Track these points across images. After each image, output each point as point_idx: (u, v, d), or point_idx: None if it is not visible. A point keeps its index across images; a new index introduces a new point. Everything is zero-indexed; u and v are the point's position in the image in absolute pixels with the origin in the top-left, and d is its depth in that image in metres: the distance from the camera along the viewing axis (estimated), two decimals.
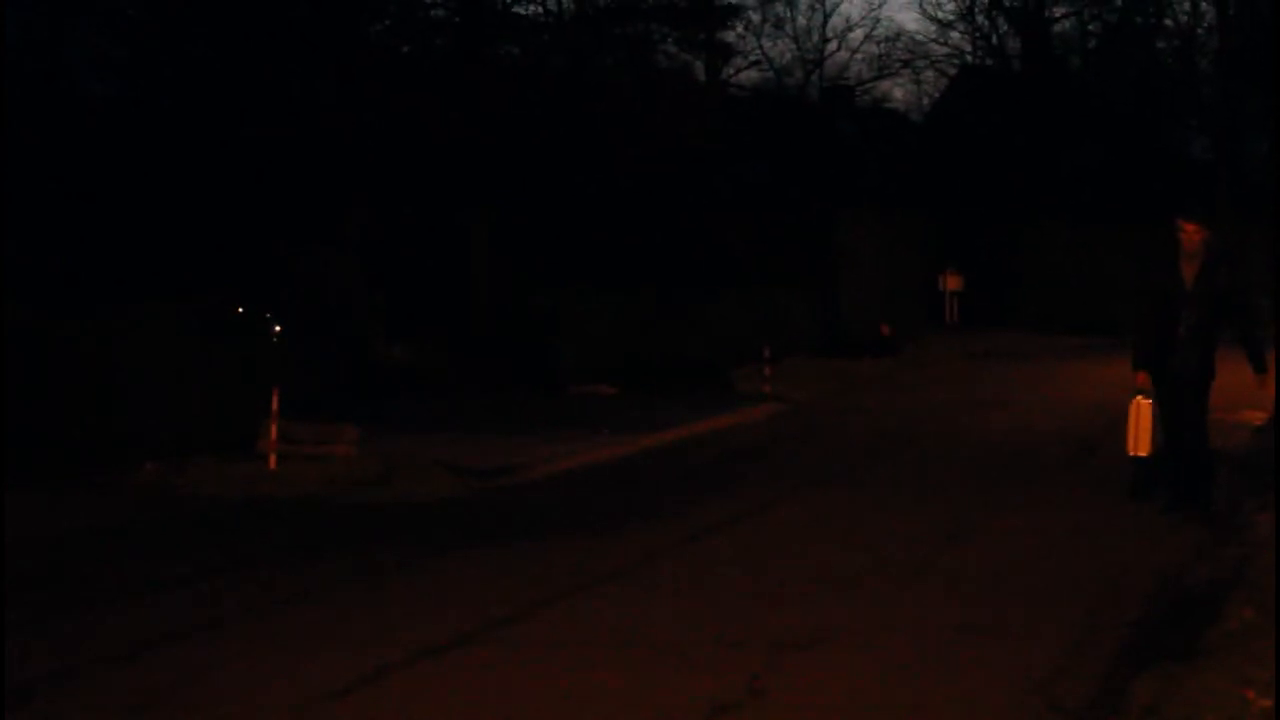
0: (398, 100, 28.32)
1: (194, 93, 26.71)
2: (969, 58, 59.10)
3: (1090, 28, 57.54)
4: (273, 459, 17.76)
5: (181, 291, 22.82)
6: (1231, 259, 14.48)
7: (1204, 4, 55.83)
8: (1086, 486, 16.57)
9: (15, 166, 24.00)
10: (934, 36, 73.90)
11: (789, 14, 69.98)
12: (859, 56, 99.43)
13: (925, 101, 61.36)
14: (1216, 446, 15.29)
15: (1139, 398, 14.12)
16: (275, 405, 17.82)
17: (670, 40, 37.01)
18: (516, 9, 34.13)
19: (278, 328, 19.84)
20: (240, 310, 21.87)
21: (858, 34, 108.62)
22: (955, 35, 60.07)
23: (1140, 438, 14.15)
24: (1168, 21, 57.05)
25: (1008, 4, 56.61)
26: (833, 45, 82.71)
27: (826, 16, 77.92)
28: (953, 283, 48.77)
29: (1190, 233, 13.95)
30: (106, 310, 19.15)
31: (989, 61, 58.41)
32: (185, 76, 26.92)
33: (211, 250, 25.67)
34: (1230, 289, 14.04)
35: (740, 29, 51.22)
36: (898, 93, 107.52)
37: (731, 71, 50.97)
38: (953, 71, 59.28)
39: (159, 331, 18.47)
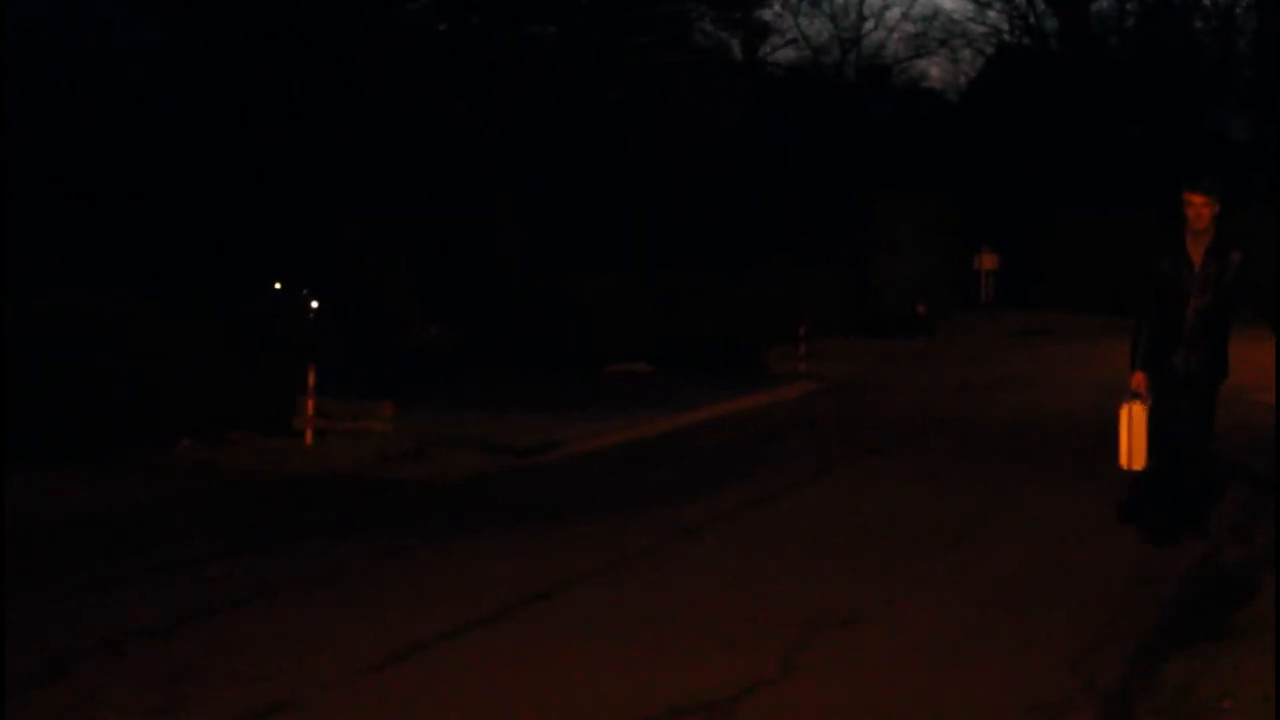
0: (433, 81, 28.36)
1: (235, 74, 26.77)
2: (1006, 37, 58.95)
3: (1128, 7, 57.34)
4: (309, 435, 17.84)
5: (219, 270, 22.93)
6: (1245, 236, 12.89)
7: None
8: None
9: (62, 150, 24.12)
10: (971, 15, 73.88)
11: None
12: (896, 35, 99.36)
13: (962, 81, 61.25)
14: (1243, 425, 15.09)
15: (1134, 403, 12.02)
16: (311, 382, 17.90)
17: (707, 19, 37.03)
18: None
19: (314, 305, 19.87)
20: (277, 287, 21.94)
21: (895, 12, 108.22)
22: (992, 14, 59.89)
23: (1135, 449, 12.09)
24: (1206, 1, 56.80)
25: None
26: (869, 24, 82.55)
27: None
28: (988, 262, 48.73)
29: (1198, 206, 12.00)
30: (144, 290, 19.22)
31: (1026, 41, 58.24)
32: (224, 58, 26.97)
33: (250, 230, 25.74)
34: (1245, 270, 12.13)
35: (777, 7, 51.26)
36: (934, 72, 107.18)
37: (768, 50, 50.93)
38: (990, 51, 59.17)
39: (196, 310, 18.54)
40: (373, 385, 21.13)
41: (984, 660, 8.84)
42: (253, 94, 26.40)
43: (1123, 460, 12.14)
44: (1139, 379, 12.06)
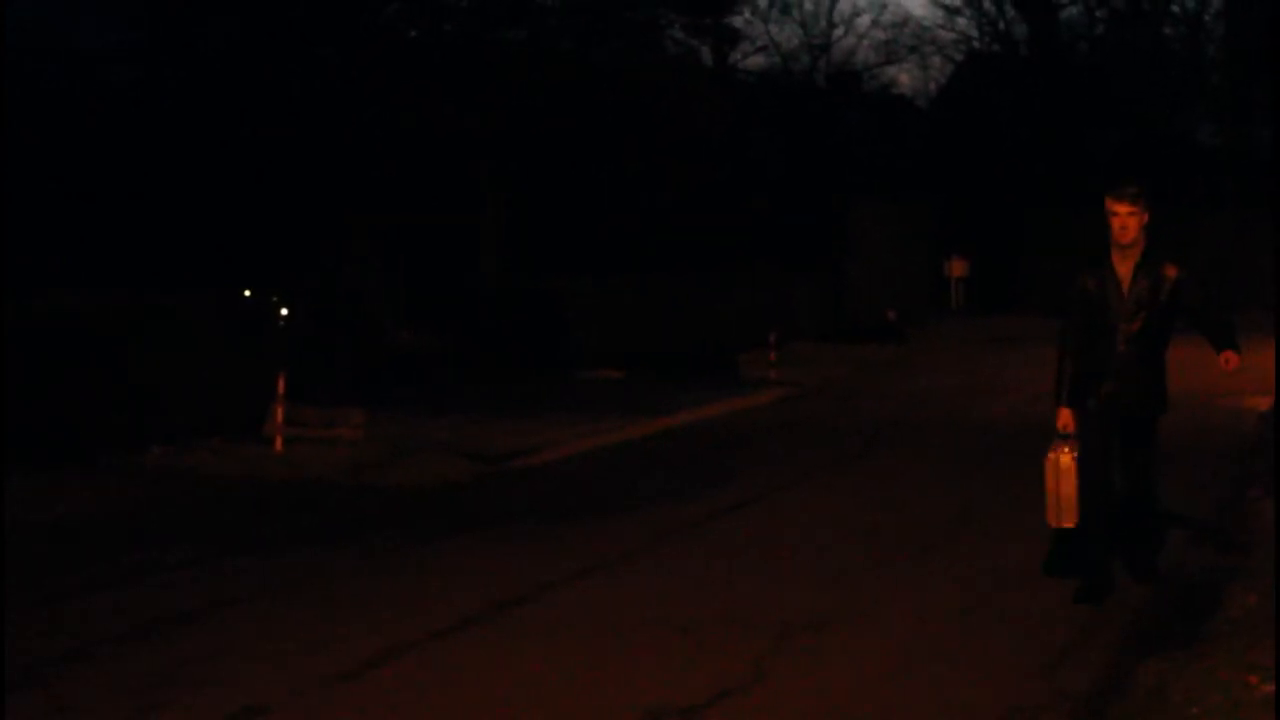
0: (406, 85, 28.33)
1: (205, 78, 26.71)
2: (976, 44, 59.08)
3: (1097, 14, 57.48)
4: (279, 442, 17.81)
5: (190, 277, 22.85)
6: (1177, 250, 10.93)
7: None
8: None
9: (32, 156, 24.03)
10: (941, 22, 74.13)
11: None
12: (866, 42, 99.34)
13: (932, 87, 61.30)
14: (1222, 428, 14.85)
15: (1061, 447, 10.55)
16: (281, 389, 17.87)
17: (677, 25, 37.00)
18: None
19: (284, 311, 19.83)
20: (247, 294, 21.89)
21: (865, 19, 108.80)
22: (962, 21, 60.24)
23: (1065, 502, 10.55)
24: (1175, 7, 56.97)
25: None
26: (839, 31, 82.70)
27: (833, 1, 77.72)
28: (958, 269, 48.82)
29: (1123, 216, 10.41)
30: (114, 296, 19.17)
31: (996, 47, 58.36)
32: (198, 61, 26.91)
33: (220, 236, 25.68)
34: (1185, 289, 10.54)
35: (747, 14, 51.22)
36: (904, 78, 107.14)
37: (738, 57, 50.93)
38: (959, 57, 59.27)
39: (166, 317, 18.50)
40: (346, 392, 21.09)
41: (956, 665, 8.87)
42: (229, 99, 26.33)
43: (1050, 516, 10.63)
44: (1066, 417, 10.55)
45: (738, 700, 8.20)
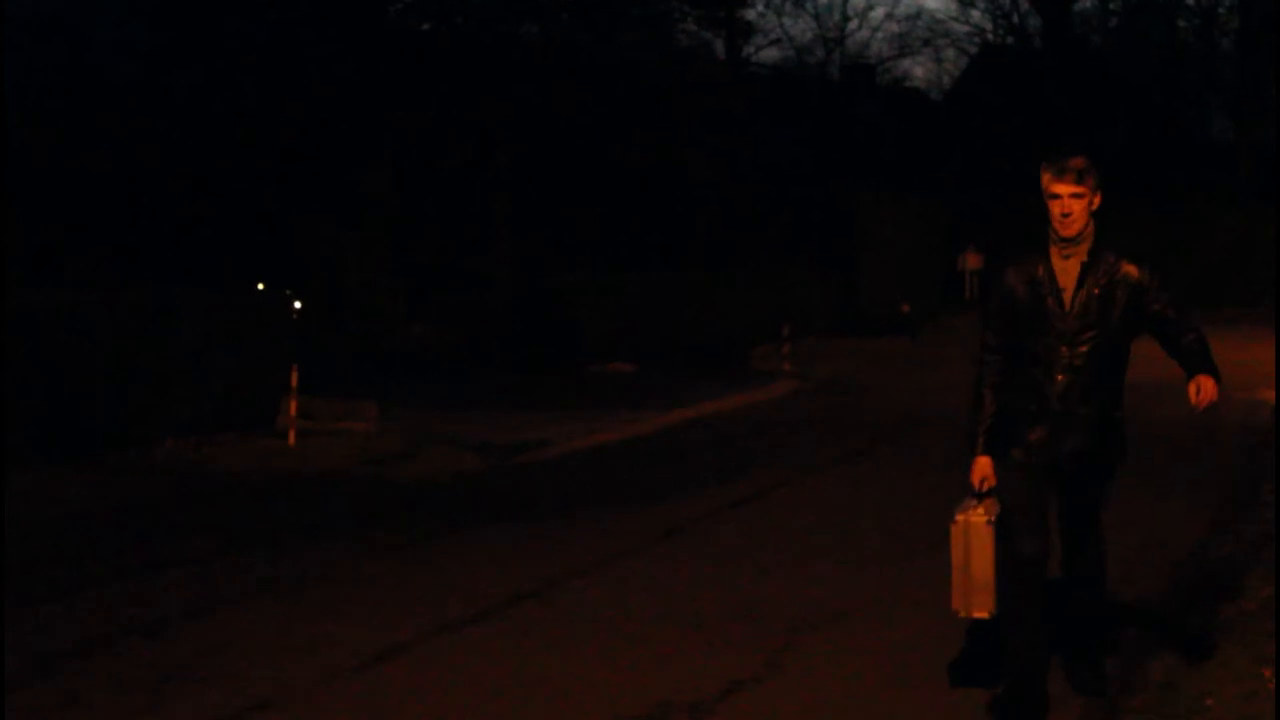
0: (418, 80, 28.35)
1: (216, 75, 26.72)
2: (990, 36, 59.07)
3: (1111, 6, 57.45)
4: (292, 435, 17.82)
5: (203, 271, 22.88)
6: (1133, 250, 8.00)
7: None
8: None
9: (47, 154, 24.07)
10: (955, 15, 74.05)
11: None
12: (880, 35, 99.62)
13: (946, 80, 61.34)
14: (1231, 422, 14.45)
15: (972, 510, 7.81)
16: (294, 382, 17.87)
17: (691, 18, 36.99)
18: None
19: (298, 305, 19.85)
20: (260, 288, 21.91)
21: (879, 12, 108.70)
22: (976, 14, 60.18)
23: (976, 582, 7.81)
24: (1188, 0, 56.90)
25: None
26: (853, 24, 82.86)
27: None
28: (973, 261, 48.73)
29: (1065, 200, 7.72)
30: (127, 290, 19.18)
31: (1010, 40, 58.36)
32: (207, 58, 26.93)
33: (233, 231, 25.71)
34: (1143, 295, 7.82)
35: (761, 7, 51.35)
36: (918, 71, 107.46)
37: (752, 50, 50.95)
38: (973, 50, 59.27)
39: (179, 310, 18.51)
40: (357, 385, 21.09)
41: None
42: (241, 95, 26.35)
43: (956, 601, 7.86)
44: (984, 469, 7.84)
45: (749, 695, 8.18)
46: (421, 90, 28.48)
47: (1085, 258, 7.80)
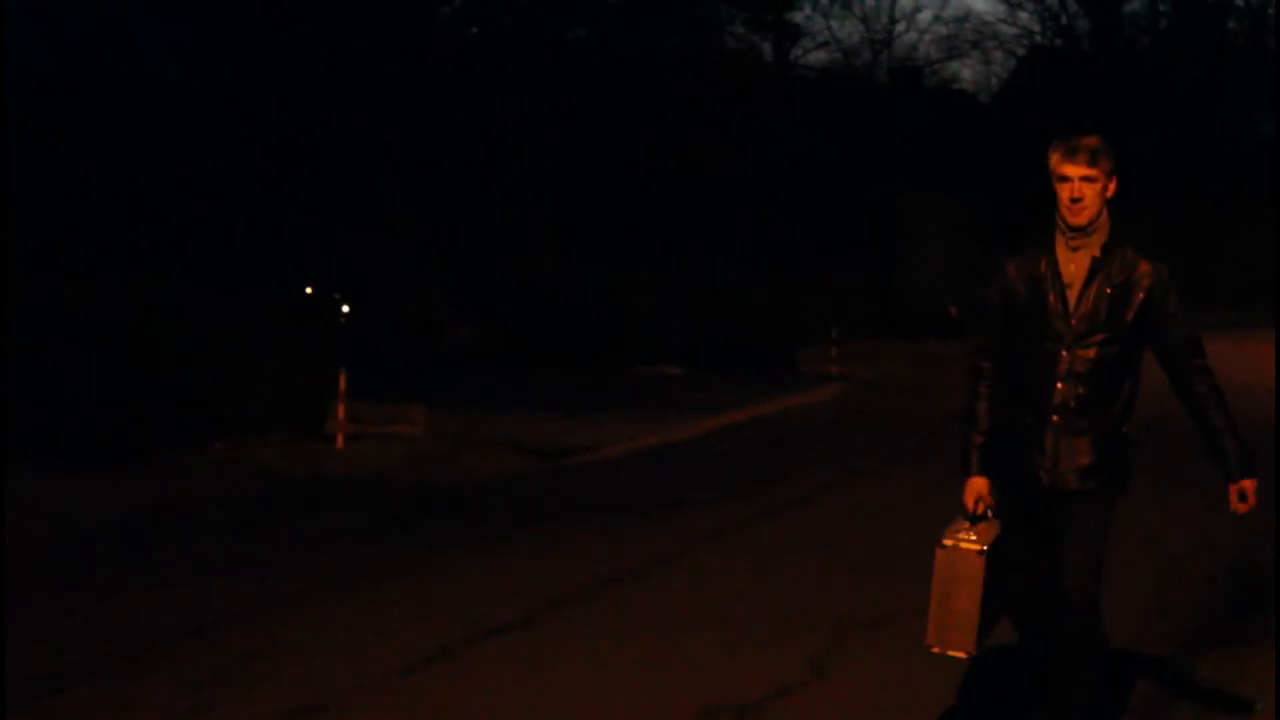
0: (466, 82, 28.41)
1: (263, 76, 26.83)
2: (1038, 38, 58.81)
3: (1160, 7, 57.18)
4: (340, 439, 17.87)
5: (250, 274, 22.96)
6: (1153, 254, 6.99)
7: None
8: (1149, 465, 16.48)
9: (100, 146, 24.20)
10: (1003, 17, 73.63)
11: None
12: (927, 37, 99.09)
13: (993, 82, 61.10)
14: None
15: (962, 535, 6.93)
16: (343, 385, 17.93)
17: (738, 21, 37.00)
18: None
19: (345, 309, 19.92)
20: (309, 292, 21.99)
21: (926, 15, 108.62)
22: (1024, 16, 60.00)
23: (958, 617, 6.94)
24: (1238, 1, 56.63)
25: None
26: (901, 26, 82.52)
27: None
28: None
29: (1075, 182, 6.86)
30: (176, 291, 19.27)
31: (1058, 42, 58.09)
32: (254, 60, 27.03)
33: (281, 234, 25.79)
34: (1163, 298, 6.91)
35: (808, 10, 51.24)
36: (966, 73, 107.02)
37: (799, 53, 50.90)
38: (1021, 52, 59.01)
39: (227, 313, 18.59)
40: (404, 388, 21.15)
41: (992, 660, 8.81)
42: (284, 96, 26.44)
43: (931, 635, 7.04)
44: (979, 489, 6.99)
45: (796, 699, 8.17)
46: (468, 92, 28.53)
47: (1097, 252, 6.90)
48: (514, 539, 12.90)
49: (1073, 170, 6.83)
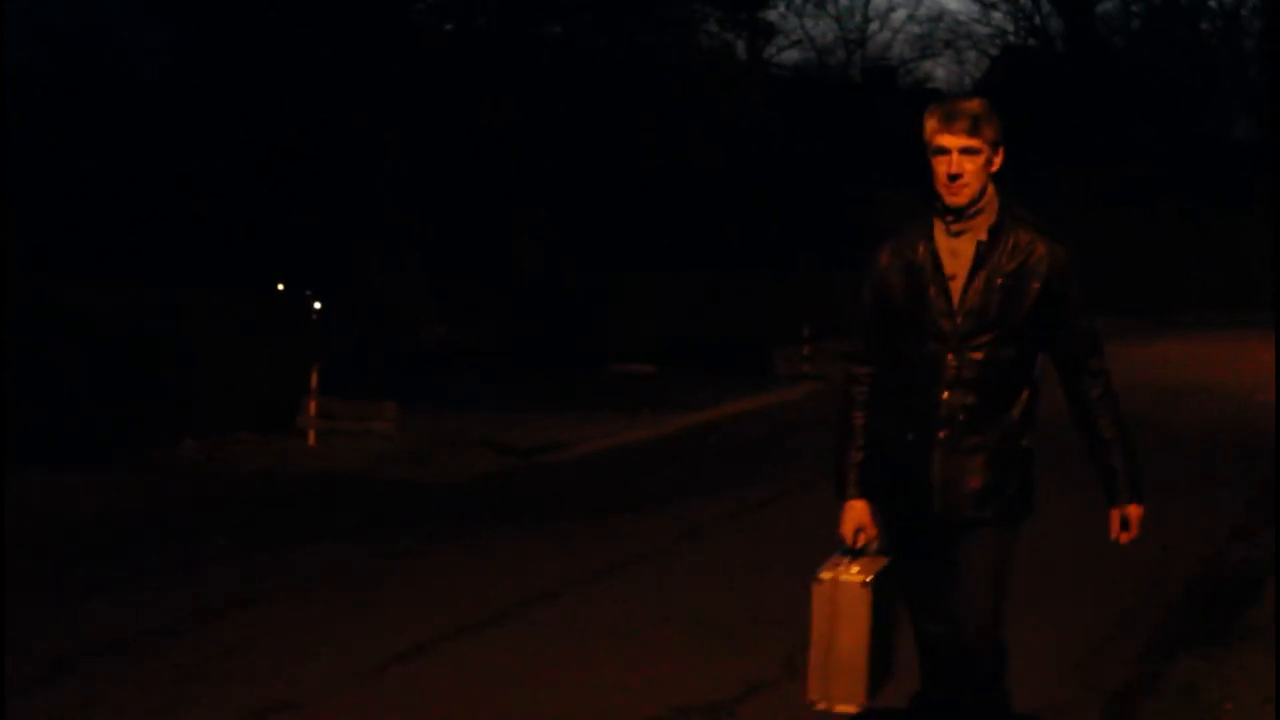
0: (440, 80, 28.38)
1: (240, 74, 26.78)
2: (1011, 38, 58.96)
3: (1134, 8, 57.34)
4: (312, 435, 17.84)
5: (223, 272, 22.91)
6: (1060, 220, 6.45)
7: None
8: None
9: (65, 152, 24.13)
10: (976, 17, 73.79)
11: None
12: (901, 37, 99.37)
13: (967, 82, 61.21)
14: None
15: (842, 569, 6.04)
16: (314, 382, 17.89)
17: (712, 20, 36.99)
18: None
19: (318, 305, 19.86)
20: (280, 288, 21.93)
21: (900, 14, 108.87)
22: (998, 15, 59.96)
23: (840, 666, 6.00)
24: (1211, 2, 56.80)
25: None
26: (875, 25, 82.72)
27: None
28: None
29: (954, 156, 5.92)
30: (144, 289, 19.22)
31: (1031, 42, 58.25)
32: (231, 59, 26.98)
33: (253, 231, 25.74)
34: (1064, 287, 6.02)
35: (782, 8, 51.27)
36: (940, 73, 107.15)
37: (773, 51, 50.95)
38: (995, 52, 59.17)
39: (197, 310, 18.55)
40: (378, 385, 21.11)
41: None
42: (262, 95, 26.39)
43: (814, 688, 6.07)
44: (859, 516, 6.20)
45: (767, 697, 8.17)
46: (443, 90, 28.51)
47: (983, 235, 5.95)
48: (485, 536, 12.88)
49: (951, 140, 5.88)
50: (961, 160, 5.88)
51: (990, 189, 5.97)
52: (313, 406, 17.90)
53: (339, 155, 26.90)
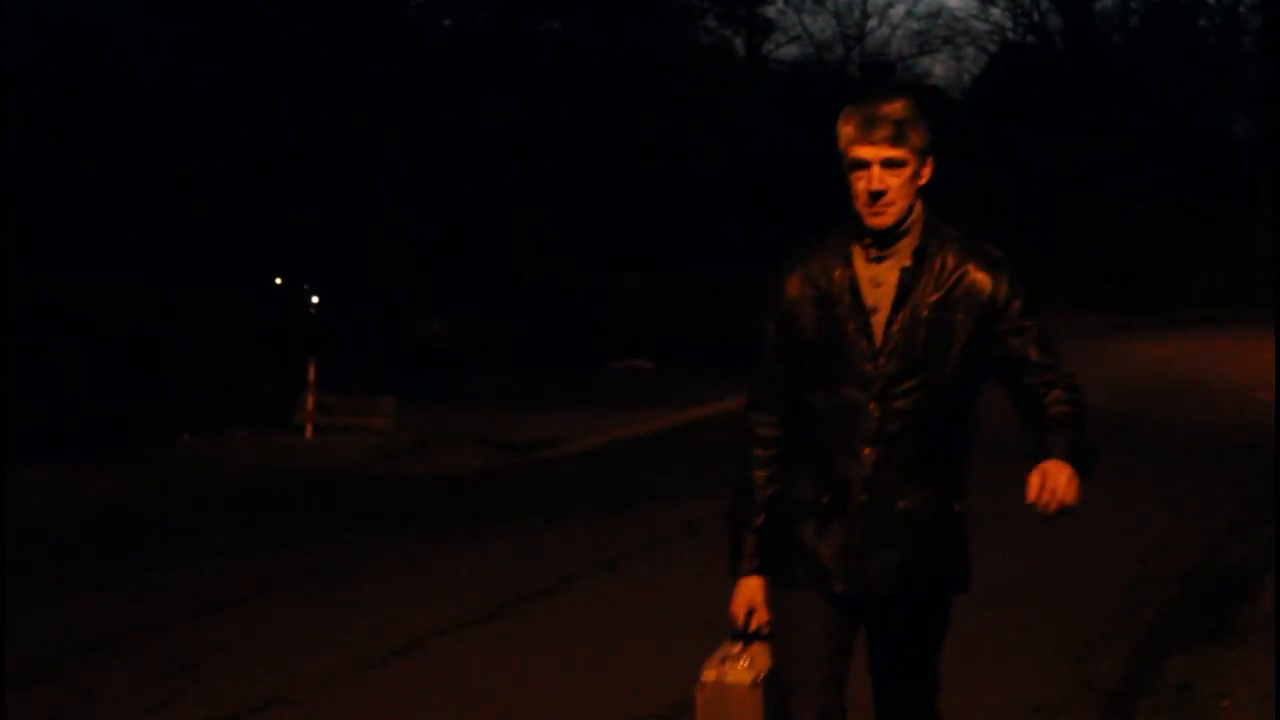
0: (439, 77, 28.38)
1: (239, 70, 26.78)
2: (1010, 35, 58.94)
3: (1132, 5, 57.34)
4: (309, 431, 17.84)
5: (221, 267, 22.92)
6: (989, 254, 4.99)
7: None
8: (1124, 463, 16.52)
9: (63, 150, 24.15)
10: (975, 13, 74.03)
11: None
12: (900, 33, 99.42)
13: (965, 78, 61.20)
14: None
15: (730, 661, 5.14)
16: (312, 377, 17.89)
17: (710, 16, 37.00)
18: None
19: (315, 300, 19.87)
20: (278, 283, 21.95)
21: (899, 10, 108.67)
22: (996, 12, 59.96)
23: None
24: None
25: None
26: (873, 21, 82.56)
27: None
28: None
29: (876, 174, 4.85)
30: (142, 286, 19.23)
31: (1030, 38, 58.23)
32: (231, 54, 26.98)
33: (252, 227, 25.75)
34: (997, 314, 4.89)
35: (780, 4, 51.26)
36: (938, 69, 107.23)
37: (772, 47, 50.91)
38: (993, 48, 59.14)
39: (195, 305, 18.55)
40: (376, 381, 21.11)
41: (984, 660, 8.80)
42: (260, 92, 26.40)
43: None
44: (748, 596, 5.20)
45: None
46: (442, 87, 28.51)
47: (909, 260, 4.87)
48: (480, 533, 12.88)
49: (870, 152, 4.81)
50: (885, 176, 4.81)
51: (918, 206, 4.91)
52: (310, 402, 17.91)
53: (338, 154, 26.90)
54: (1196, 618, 9.84)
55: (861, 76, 54.27)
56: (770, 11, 47.20)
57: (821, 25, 63.40)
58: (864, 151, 4.81)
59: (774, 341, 5.05)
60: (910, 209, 4.88)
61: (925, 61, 73.69)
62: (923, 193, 4.93)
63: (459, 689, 8.21)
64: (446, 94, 28.50)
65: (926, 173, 4.91)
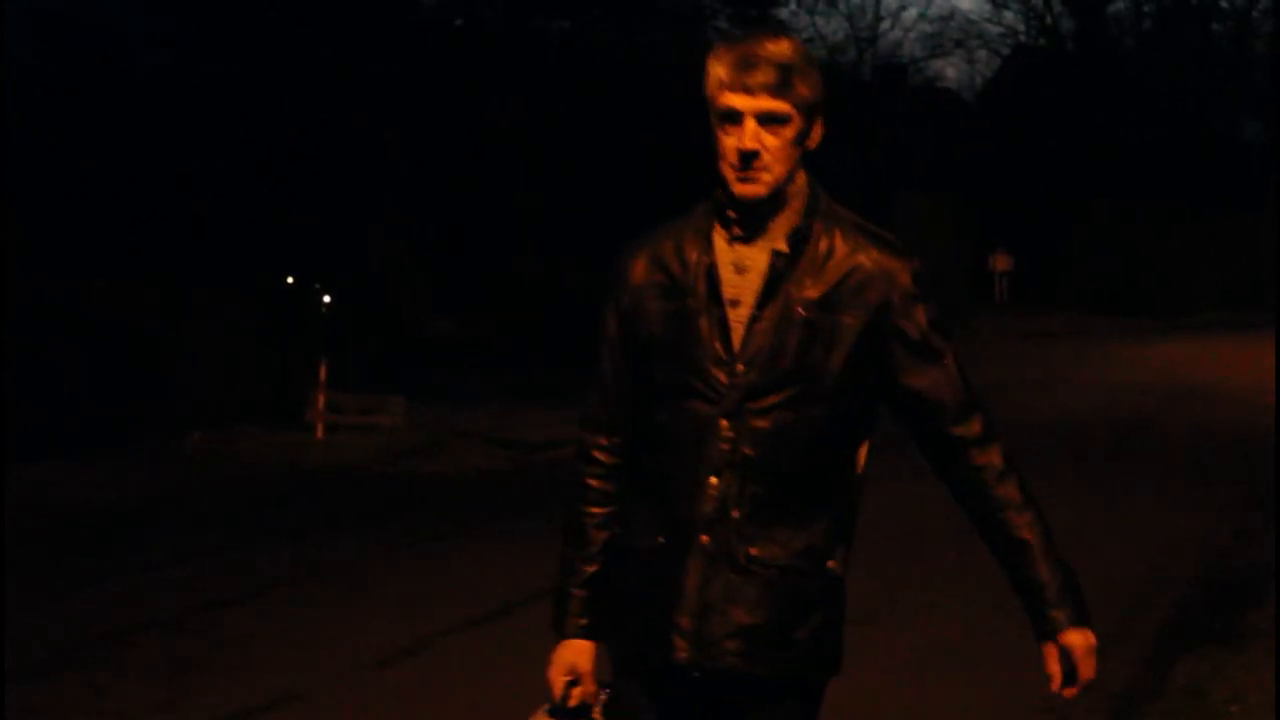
0: (447, 75, 28.39)
1: (245, 67, 26.81)
2: (1022, 38, 58.95)
3: (1145, 9, 57.31)
4: (319, 429, 17.85)
5: (231, 266, 22.93)
6: (889, 241, 3.87)
7: None
8: (1134, 467, 16.53)
9: (68, 146, 24.18)
10: (988, 16, 74.01)
11: None
12: (912, 35, 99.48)
13: (978, 81, 61.22)
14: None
15: None
16: (323, 376, 17.90)
17: (722, 17, 36.98)
18: None
19: (326, 299, 19.89)
20: (289, 281, 21.96)
21: (911, 13, 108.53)
22: (1009, 15, 60.11)
23: None
24: (1223, 3, 56.77)
25: None
26: (886, 24, 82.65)
27: None
28: (1002, 263, 48.62)
29: (749, 129, 3.63)
30: (154, 283, 19.25)
31: (1042, 42, 58.22)
32: (234, 51, 27.01)
33: (262, 226, 25.76)
34: (891, 313, 3.78)
35: (793, 6, 51.23)
36: (950, 72, 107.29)
37: None
38: (1006, 51, 59.15)
39: (207, 303, 18.57)
40: (385, 380, 21.12)
41: (991, 662, 8.81)
42: (264, 89, 26.41)
43: None
44: (571, 661, 4.18)
45: None
46: (445, 87, 28.51)
47: (782, 243, 3.77)
48: (490, 532, 12.89)
49: (745, 101, 3.69)
50: (761, 132, 3.69)
51: (801, 177, 3.82)
52: (320, 400, 17.92)
53: (339, 154, 26.91)
54: (1203, 622, 9.84)
55: (874, 79, 54.33)
56: (783, 13, 47.19)
57: (834, 27, 63.64)
58: (736, 100, 3.68)
59: (614, 341, 4.04)
60: (790, 178, 3.76)
61: (938, 64, 73.77)
62: (808, 161, 3.83)
63: (467, 687, 8.21)
64: (449, 94, 28.51)
65: (816, 135, 3.81)
